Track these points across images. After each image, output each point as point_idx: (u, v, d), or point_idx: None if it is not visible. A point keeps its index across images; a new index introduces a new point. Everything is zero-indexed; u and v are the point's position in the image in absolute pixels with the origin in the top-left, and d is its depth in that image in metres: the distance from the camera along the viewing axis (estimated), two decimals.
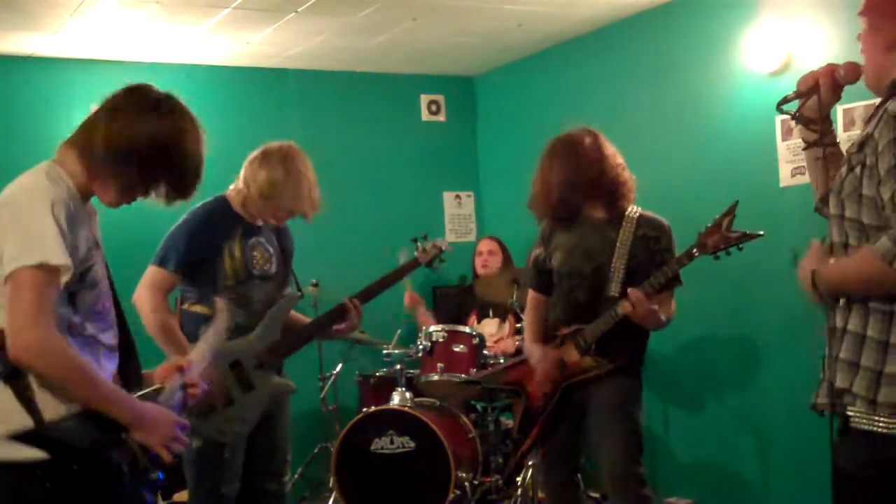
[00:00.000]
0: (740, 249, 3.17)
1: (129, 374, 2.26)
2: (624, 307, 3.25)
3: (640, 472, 3.37)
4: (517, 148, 6.03)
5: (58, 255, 1.98)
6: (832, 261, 2.06)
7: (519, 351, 4.95)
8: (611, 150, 3.47)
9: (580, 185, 3.40)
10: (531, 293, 3.70)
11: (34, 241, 1.98)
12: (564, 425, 3.49)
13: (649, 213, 3.50)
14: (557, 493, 3.64)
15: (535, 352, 3.57)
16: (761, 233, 3.15)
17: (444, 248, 3.97)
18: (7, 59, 5.13)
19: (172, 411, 2.22)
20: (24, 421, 1.99)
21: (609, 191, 3.43)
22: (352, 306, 3.56)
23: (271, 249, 3.51)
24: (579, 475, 3.66)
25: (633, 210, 3.47)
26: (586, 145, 3.43)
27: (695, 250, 3.19)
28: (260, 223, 3.49)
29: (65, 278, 2.01)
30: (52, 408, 2.01)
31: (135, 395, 2.20)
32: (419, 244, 3.96)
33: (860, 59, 2.15)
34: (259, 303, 3.45)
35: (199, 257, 3.34)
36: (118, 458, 2.07)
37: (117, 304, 2.30)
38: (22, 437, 1.98)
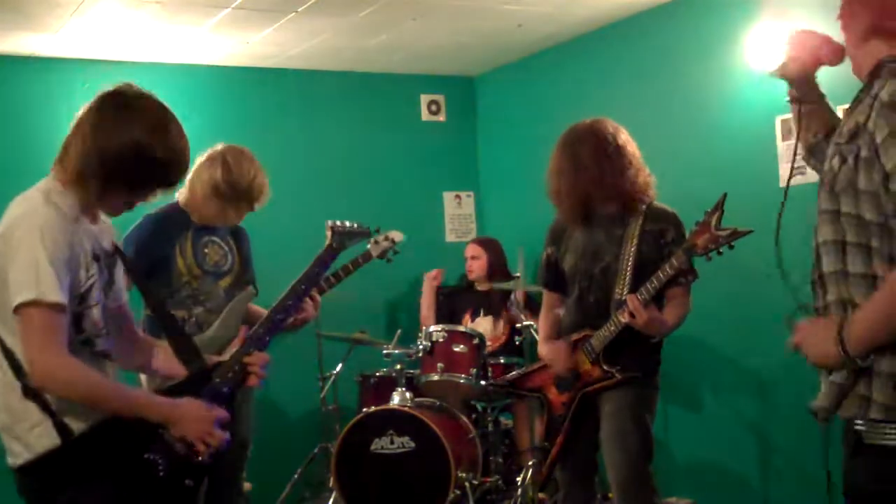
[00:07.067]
0: (731, 248, 3.02)
1: (188, 351, 2.36)
2: (624, 316, 3.16)
3: (648, 479, 3.29)
4: (517, 148, 6.03)
5: (52, 291, 2.02)
6: (854, 315, 1.96)
7: (518, 351, 4.95)
8: (629, 144, 3.38)
9: (592, 182, 3.31)
10: (544, 292, 3.65)
11: (29, 275, 2.02)
12: (584, 434, 3.43)
13: (658, 205, 3.38)
14: (574, 498, 3.55)
15: (544, 350, 3.53)
16: (751, 229, 2.97)
17: (396, 239, 3.89)
18: (7, 59, 5.13)
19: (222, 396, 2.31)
20: (52, 439, 2.08)
21: (623, 186, 3.32)
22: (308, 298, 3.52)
23: (226, 247, 3.57)
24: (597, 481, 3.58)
25: (645, 203, 3.35)
26: (599, 139, 3.35)
27: (681, 255, 3.08)
28: (212, 224, 3.55)
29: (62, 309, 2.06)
30: (77, 420, 2.10)
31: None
32: (372, 237, 3.76)
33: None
34: (217, 299, 3.49)
35: (148, 262, 3.40)
36: (154, 455, 2.16)
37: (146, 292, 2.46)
38: (50, 457, 2.07)
